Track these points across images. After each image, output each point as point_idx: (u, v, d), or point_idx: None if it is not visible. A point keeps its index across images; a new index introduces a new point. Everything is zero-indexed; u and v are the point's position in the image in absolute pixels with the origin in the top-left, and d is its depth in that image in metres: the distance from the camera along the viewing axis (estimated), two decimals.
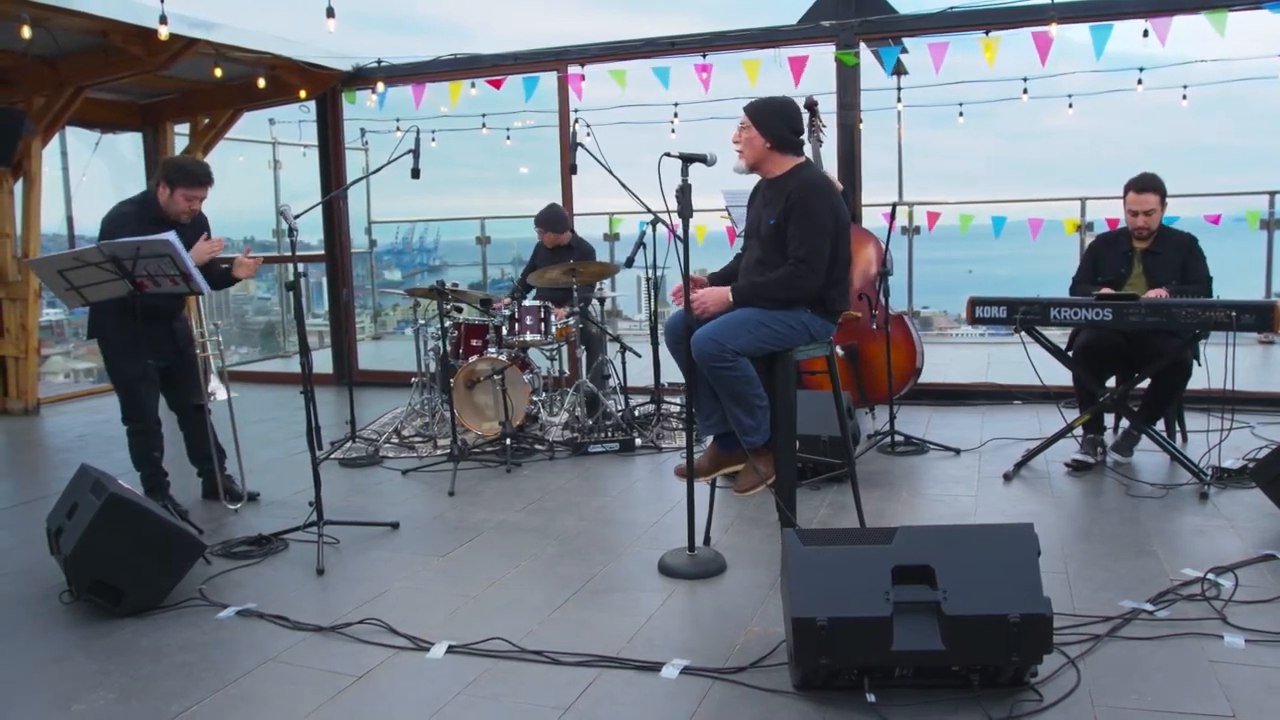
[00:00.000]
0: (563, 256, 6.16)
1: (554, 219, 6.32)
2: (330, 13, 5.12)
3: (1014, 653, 2.48)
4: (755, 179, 3.68)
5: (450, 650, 2.95)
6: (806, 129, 5.69)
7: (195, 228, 4.42)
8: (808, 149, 5.60)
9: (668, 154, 3.44)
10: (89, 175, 8.52)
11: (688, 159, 3.46)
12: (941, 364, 7.86)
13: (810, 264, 3.40)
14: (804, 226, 3.40)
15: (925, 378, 6.16)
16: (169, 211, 4.30)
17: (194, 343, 4.56)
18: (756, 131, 3.48)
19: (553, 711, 2.58)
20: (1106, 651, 2.80)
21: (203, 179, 4.33)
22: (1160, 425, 4.90)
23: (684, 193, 3.46)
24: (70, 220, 8.46)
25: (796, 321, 3.45)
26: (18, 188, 7.13)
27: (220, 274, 4.52)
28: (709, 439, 3.74)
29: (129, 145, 8.79)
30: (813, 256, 3.40)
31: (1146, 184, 4.70)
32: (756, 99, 3.55)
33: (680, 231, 3.50)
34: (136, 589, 3.30)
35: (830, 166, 6.00)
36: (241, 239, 11.34)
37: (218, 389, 4.58)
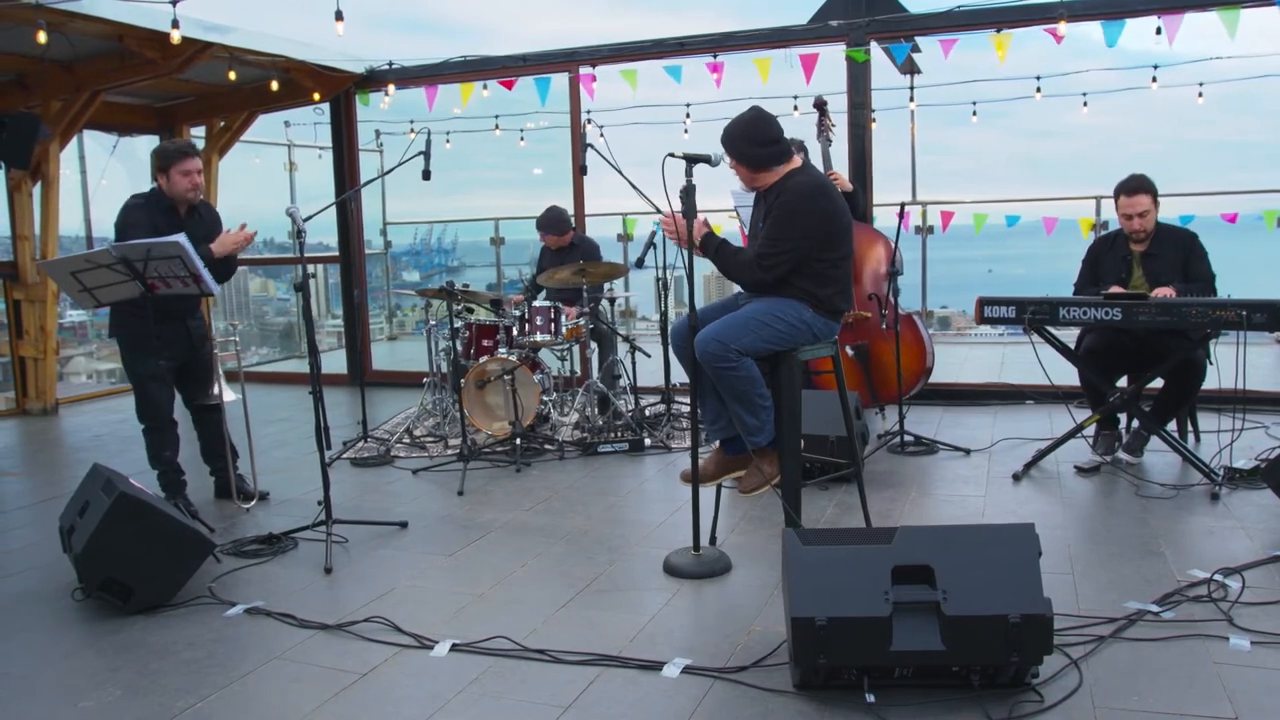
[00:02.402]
0: (568, 257, 6.19)
1: (553, 221, 6.33)
2: (339, 15, 5.16)
3: (1014, 653, 2.47)
4: None
5: (454, 648, 2.97)
6: (816, 128, 5.74)
7: (209, 223, 4.49)
8: (816, 148, 5.63)
9: (671, 154, 3.46)
10: (107, 178, 8.62)
11: (691, 159, 3.47)
12: (955, 364, 7.84)
13: (766, 261, 3.45)
14: (776, 227, 3.44)
15: (938, 378, 6.13)
16: (175, 197, 4.37)
17: (209, 342, 4.60)
18: (734, 161, 3.53)
19: (553, 710, 2.59)
20: (1110, 653, 2.79)
21: (185, 149, 4.40)
22: (1172, 425, 4.86)
23: (688, 193, 3.47)
24: (88, 222, 8.56)
25: (799, 321, 3.45)
26: (36, 191, 7.22)
27: (223, 261, 4.54)
28: (715, 442, 3.75)
29: (146, 148, 8.87)
30: (772, 256, 3.44)
31: (1136, 186, 4.66)
32: (726, 126, 3.55)
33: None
34: (146, 587, 3.34)
35: (840, 166, 5.99)
36: (261, 240, 11.41)
37: (224, 390, 4.62)
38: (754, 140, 3.48)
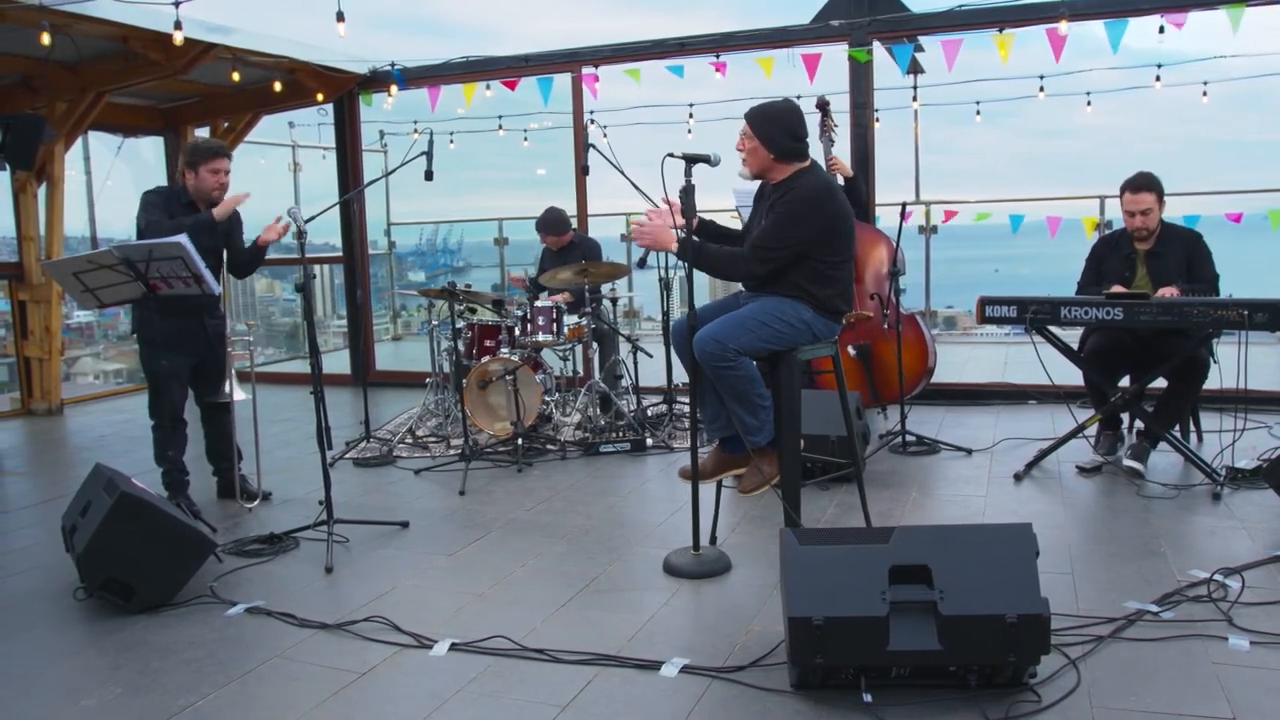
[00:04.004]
0: (568, 257, 6.19)
1: (551, 222, 6.35)
2: (340, 16, 5.17)
3: (1011, 653, 2.47)
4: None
5: (453, 648, 2.98)
6: (819, 129, 5.74)
7: (229, 221, 4.51)
8: (819, 149, 5.64)
9: (671, 154, 3.46)
10: (112, 179, 8.64)
11: (691, 159, 3.47)
12: (957, 364, 7.83)
13: (757, 254, 3.44)
14: (778, 224, 3.42)
15: (940, 378, 6.13)
16: (200, 195, 4.41)
17: (226, 341, 4.62)
18: (759, 142, 3.48)
19: (551, 709, 2.60)
20: (1108, 653, 2.79)
21: (219, 149, 4.45)
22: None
23: (688, 193, 3.47)
24: (93, 223, 8.59)
25: (799, 321, 3.45)
26: (41, 192, 7.25)
27: (253, 255, 4.60)
28: (715, 441, 3.75)
29: (150, 149, 8.91)
30: (763, 251, 3.43)
31: (1142, 183, 4.64)
32: (758, 105, 3.53)
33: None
34: (147, 586, 3.35)
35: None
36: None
37: (235, 389, 4.64)
38: (790, 131, 3.47)
